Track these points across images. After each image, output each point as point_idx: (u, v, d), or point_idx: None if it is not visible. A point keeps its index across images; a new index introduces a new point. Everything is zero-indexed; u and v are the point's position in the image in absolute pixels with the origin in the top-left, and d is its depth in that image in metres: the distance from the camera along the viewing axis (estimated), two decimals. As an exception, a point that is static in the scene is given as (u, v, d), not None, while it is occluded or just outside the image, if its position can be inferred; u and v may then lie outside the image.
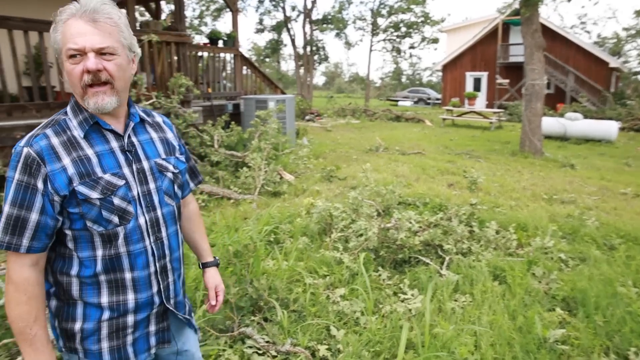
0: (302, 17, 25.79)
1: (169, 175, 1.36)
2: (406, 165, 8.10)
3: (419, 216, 4.27)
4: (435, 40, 28.44)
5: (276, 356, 2.42)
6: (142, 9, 12.33)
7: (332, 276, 3.35)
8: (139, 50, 1.31)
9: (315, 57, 27.32)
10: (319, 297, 3.03)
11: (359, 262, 3.43)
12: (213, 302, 1.61)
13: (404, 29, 27.71)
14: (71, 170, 1.18)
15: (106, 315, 1.27)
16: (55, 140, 1.19)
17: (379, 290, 3.28)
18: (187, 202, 1.60)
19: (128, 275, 1.27)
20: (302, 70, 26.98)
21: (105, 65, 1.17)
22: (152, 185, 1.31)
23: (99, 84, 1.18)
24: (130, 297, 1.28)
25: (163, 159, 1.36)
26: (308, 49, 26.07)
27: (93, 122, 1.23)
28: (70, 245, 1.24)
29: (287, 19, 26.05)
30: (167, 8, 28.80)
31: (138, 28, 6.74)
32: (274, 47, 28.81)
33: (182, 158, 1.45)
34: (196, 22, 28.75)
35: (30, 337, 1.19)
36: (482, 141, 12.25)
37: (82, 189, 1.18)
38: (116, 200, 1.22)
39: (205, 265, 1.64)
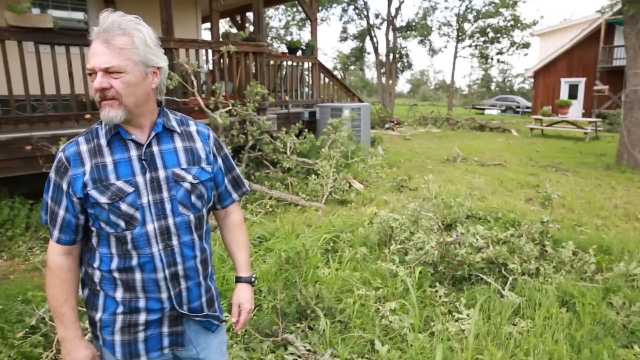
0: (385, 24, 25.71)
1: (186, 185, 1.37)
2: (483, 177, 7.71)
3: (487, 231, 4.04)
4: (526, 45, 26.75)
5: (315, 366, 2.43)
6: (231, 22, 13.00)
7: (385, 289, 3.28)
8: (163, 64, 1.36)
9: (399, 65, 27.03)
10: (368, 309, 2.98)
11: (413, 276, 3.33)
12: (234, 320, 1.57)
13: (491, 34, 26.44)
14: (88, 175, 1.29)
15: (120, 309, 1.36)
16: (83, 147, 1.32)
17: (433, 307, 3.15)
18: (229, 212, 1.63)
19: (138, 277, 1.34)
20: (384, 78, 26.83)
21: (112, 83, 1.25)
22: (165, 194, 1.34)
23: (107, 99, 1.26)
24: (141, 296, 1.35)
25: (182, 169, 1.38)
26: (391, 56, 25.87)
27: (115, 132, 1.33)
28: (94, 241, 1.36)
29: (371, 27, 26.07)
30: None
31: (220, 40, 7.14)
32: (357, 55, 28.96)
33: (209, 168, 1.44)
34: (282, 31, 29.80)
35: (60, 315, 1.35)
36: (573, 153, 11.30)
37: (93, 193, 1.28)
38: (123, 206, 1.29)
39: (237, 280, 1.61)
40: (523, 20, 25.69)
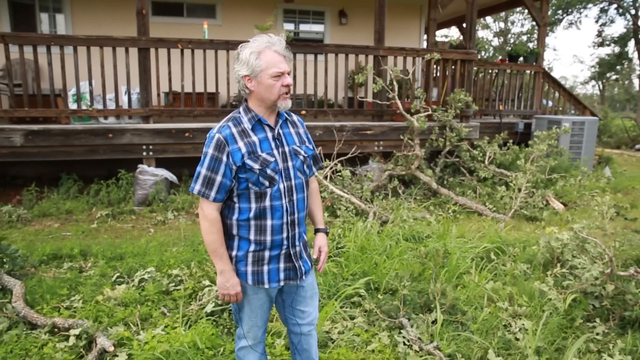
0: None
1: (300, 157, 1.93)
2: None
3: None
4: None
5: (418, 352, 2.60)
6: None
7: (529, 308, 3.12)
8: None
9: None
10: (498, 321, 2.93)
11: (564, 302, 3.07)
12: (315, 256, 2.09)
13: None
14: (243, 149, 1.81)
15: (252, 247, 1.88)
16: (234, 130, 1.85)
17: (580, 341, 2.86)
18: (310, 182, 2.11)
19: (269, 222, 1.86)
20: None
21: (290, 82, 1.85)
22: (290, 163, 1.89)
23: (288, 93, 1.85)
24: (268, 238, 1.87)
25: (297, 146, 1.94)
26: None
27: (257, 119, 1.87)
28: (235, 199, 1.88)
29: (638, 28, 21.93)
30: (495, 26, 28.85)
31: (427, 48, 7.43)
32: (614, 62, 24.78)
33: (310, 147, 2.01)
34: (524, 37, 27.76)
35: (220, 253, 1.87)
36: None
37: (249, 162, 1.81)
38: (268, 171, 1.82)
39: (317, 231, 2.14)
40: None
